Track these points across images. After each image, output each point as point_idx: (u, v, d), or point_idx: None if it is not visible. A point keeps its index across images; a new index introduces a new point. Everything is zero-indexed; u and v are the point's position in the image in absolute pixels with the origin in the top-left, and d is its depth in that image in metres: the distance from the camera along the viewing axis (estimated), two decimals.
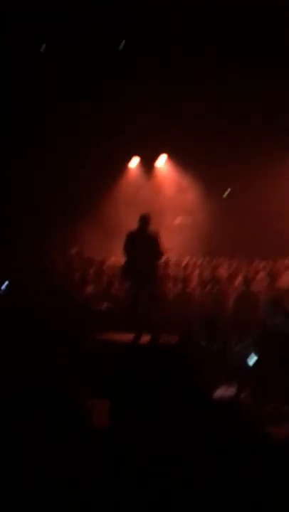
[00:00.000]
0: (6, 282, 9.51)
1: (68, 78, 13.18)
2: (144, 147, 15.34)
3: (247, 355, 6.25)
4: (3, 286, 9.51)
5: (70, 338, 6.53)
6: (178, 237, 13.20)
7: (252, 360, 6.15)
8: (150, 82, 13.10)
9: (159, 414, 1.39)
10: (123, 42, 13.60)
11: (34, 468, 1.42)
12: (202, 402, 1.44)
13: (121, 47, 13.58)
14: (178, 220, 15.66)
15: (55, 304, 8.37)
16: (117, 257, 11.57)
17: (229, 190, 15.85)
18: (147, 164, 16.50)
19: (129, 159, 16.47)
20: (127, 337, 7.26)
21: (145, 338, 7.08)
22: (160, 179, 16.46)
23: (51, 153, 13.80)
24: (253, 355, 6.17)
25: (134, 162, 16.59)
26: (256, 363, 6.08)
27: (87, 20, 12.01)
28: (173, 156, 16.07)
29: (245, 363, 6.20)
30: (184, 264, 11.81)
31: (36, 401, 1.54)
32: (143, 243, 7.20)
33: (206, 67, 12.59)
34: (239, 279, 9.55)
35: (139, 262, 7.15)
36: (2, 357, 4.73)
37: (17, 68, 12.69)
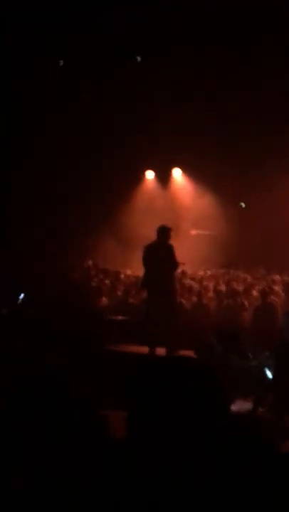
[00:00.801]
0: (22, 295, 9.62)
1: (83, 91, 13.35)
2: (158, 161, 15.43)
3: (264, 368, 6.15)
4: (21, 297, 9.63)
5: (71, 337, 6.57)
6: (194, 248, 13.15)
7: (270, 373, 6.05)
8: (162, 98, 13.19)
9: (179, 425, 1.36)
10: (138, 58, 13.75)
11: (48, 475, 1.41)
12: (222, 415, 1.40)
13: (137, 59, 13.73)
14: (194, 232, 15.63)
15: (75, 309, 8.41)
16: (133, 269, 11.59)
17: (243, 205, 15.83)
18: (161, 177, 16.58)
19: (143, 172, 16.57)
20: (142, 350, 7.21)
21: (160, 352, 7.01)
22: (175, 192, 16.49)
23: (68, 166, 13.97)
24: (270, 368, 6.06)
25: (149, 175, 16.69)
26: (274, 376, 5.97)
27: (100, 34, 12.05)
28: (186, 169, 16.13)
29: (263, 377, 6.10)
30: (200, 275, 11.74)
31: (51, 408, 1.52)
32: (161, 255, 7.15)
33: (215, 80, 12.61)
34: (256, 292, 9.44)
35: (159, 274, 7.11)
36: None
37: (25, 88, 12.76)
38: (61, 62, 13.66)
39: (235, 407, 6.00)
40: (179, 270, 8.92)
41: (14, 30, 11.72)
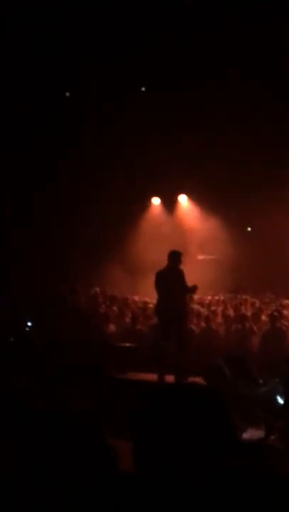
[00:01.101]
0: (29, 323, 9.63)
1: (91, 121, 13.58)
2: (164, 187, 15.57)
3: (275, 395, 6.06)
4: (29, 324, 9.64)
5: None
6: (201, 272, 13.14)
7: (281, 400, 5.95)
8: (165, 125, 13.39)
9: (187, 454, 1.35)
10: (143, 88, 14.03)
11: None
12: (231, 443, 1.39)
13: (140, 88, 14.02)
14: (201, 256, 15.63)
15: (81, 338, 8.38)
16: (141, 295, 11.55)
17: (249, 229, 15.88)
18: (167, 203, 16.69)
19: (149, 199, 16.70)
20: (151, 377, 7.14)
21: (169, 379, 6.94)
22: (181, 217, 16.56)
23: (76, 192, 14.14)
24: (281, 394, 5.96)
25: (155, 201, 16.80)
26: (285, 403, 5.87)
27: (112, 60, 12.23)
28: (192, 195, 16.24)
29: (274, 403, 6.00)
30: (207, 300, 11.69)
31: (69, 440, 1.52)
32: (172, 280, 7.16)
33: (217, 104, 12.79)
34: (265, 316, 9.37)
35: (169, 300, 7.10)
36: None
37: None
38: (67, 94, 13.95)
39: (246, 434, 5.88)
40: (187, 295, 8.89)
41: (14, 30, 11.53)
